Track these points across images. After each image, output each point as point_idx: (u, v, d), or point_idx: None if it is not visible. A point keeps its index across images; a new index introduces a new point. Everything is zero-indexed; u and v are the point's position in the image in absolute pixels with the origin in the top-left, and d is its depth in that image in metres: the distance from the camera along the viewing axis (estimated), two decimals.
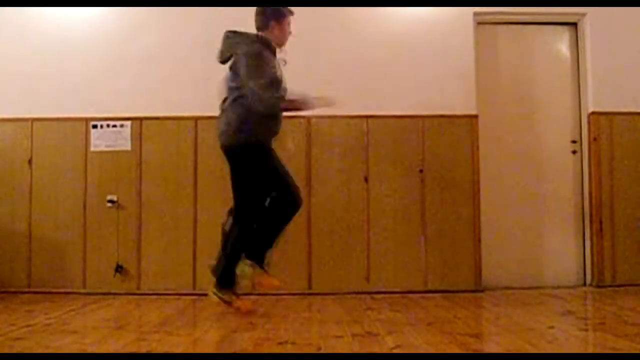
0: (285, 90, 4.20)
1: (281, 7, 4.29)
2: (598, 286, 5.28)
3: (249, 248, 4.13)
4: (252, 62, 4.04)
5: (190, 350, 3.01)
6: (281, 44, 4.32)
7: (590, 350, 3.08)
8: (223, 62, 4.22)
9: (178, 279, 5.17)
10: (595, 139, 5.41)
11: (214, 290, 4.19)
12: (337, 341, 3.13)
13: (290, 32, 4.33)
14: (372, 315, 4.02)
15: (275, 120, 4.20)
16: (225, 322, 3.80)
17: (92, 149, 5.26)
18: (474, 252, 5.23)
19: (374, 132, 5.28)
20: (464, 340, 3.13)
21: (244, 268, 4.09)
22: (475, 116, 5.32)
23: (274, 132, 4.24)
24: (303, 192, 5.15)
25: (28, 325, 3.61)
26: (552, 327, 3.48)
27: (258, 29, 4.26)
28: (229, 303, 4.17)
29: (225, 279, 4.17)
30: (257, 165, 4.12)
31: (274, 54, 4.26)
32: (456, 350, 2.89)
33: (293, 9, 4.34)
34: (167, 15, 5.30)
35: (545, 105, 5.59)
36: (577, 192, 5.53)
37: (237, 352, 2.89)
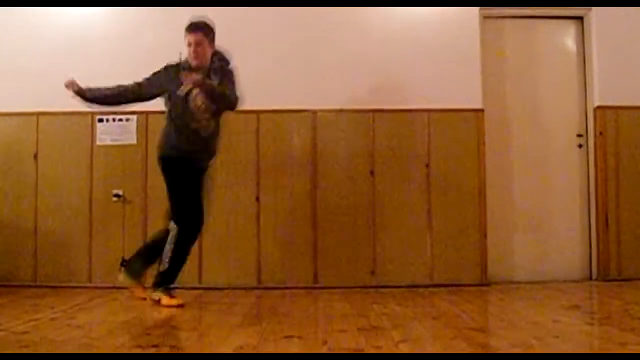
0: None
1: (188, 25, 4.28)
2: (604, 280, 5.28)
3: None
4: None
5: (196, 345, 3.01)
6: (192, 65, 4.23)
7: (596, 345, 3.07)
8: None
9: (183, 273, 5.14)
10: (601, 133, 5.39)
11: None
12: (343, 335, 3.13)
13: (191, 53, 4.23)
14: (377, 309, 4.01)
15: None
16: (231, 317, 3.80)
17: (97, 143, 5.26)
18: (480, 246, 5.22)
19: (380, 126, 5.27)
20: (469, 334, 3.12)
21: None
22: (481, 110, 5.31)
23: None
24: (309, 187, 5.19)
25: (33, 320, 3.62)
26: (557, 321, 3.47)
27: None
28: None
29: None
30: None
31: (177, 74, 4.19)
32: (461, 344, 2.89)
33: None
34: (172, 11, 5.27)
35: (551, 99, 5.58)
36: (583, 186, 5.52)
37: (243, 346, 2.89)
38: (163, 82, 4.26)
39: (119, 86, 4.34)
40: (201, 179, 4.36)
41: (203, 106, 4.16)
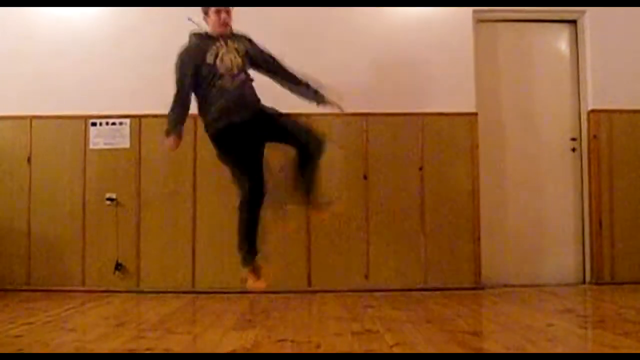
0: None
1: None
2: (597, 284, 5.29)
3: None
4: None
5: (190, 348, 3.00)
6: (217, 32, 4.30)
7: (589, 348, 3.08)
8: None
9: (177, 277, 5.16)
10: (594, 137, 5.40)
11: None
12: (336, 339, 3.13)
13: (222, 20, 4.29)
14: (371, 312, 4.02)
15: None
16: (225, 320, 3.80)
17: (91, 146, 5.25)
18: (474, 249, 5.22)
19: (373, 129, 5.27)
20: (463, 337, 3.13)
21: None
22: (475, 114, 5.31)
23: None
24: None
25: (27, 323, 3.61)
26: (551, 325, 3.48)
27: None
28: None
29: None
30: None
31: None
32: (455, 347, 2.89)
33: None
34: (167, 14, 5.27)
35: (545, 102, 5.59)
36: (577, 189, 5.53)
37: (237, 349, 2.89)
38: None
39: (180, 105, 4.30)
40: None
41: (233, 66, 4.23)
